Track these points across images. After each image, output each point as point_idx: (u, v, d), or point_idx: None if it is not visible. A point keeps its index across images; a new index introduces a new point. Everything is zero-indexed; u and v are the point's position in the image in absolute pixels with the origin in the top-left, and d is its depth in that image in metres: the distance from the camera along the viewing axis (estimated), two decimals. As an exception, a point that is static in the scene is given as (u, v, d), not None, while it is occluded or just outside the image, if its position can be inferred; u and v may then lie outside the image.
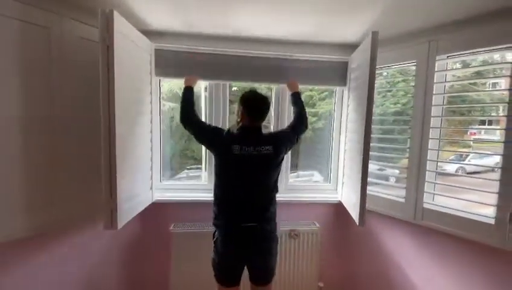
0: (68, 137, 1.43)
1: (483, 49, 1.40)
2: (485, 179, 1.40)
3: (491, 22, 1.35)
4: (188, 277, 1.82)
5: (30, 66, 1.29)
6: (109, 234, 1.67)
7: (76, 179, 1.47)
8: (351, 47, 1.86)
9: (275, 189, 1.51)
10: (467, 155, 1.82)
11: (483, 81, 1.58)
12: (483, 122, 1.81)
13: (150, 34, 1.73)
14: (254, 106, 1.44)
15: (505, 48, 1.33)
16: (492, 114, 1.67)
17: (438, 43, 1.52)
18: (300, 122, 1.62)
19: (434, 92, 1.54)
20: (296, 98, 1.73)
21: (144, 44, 1.66)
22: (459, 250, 1.49)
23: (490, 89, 1.56)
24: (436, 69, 1.54)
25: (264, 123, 1.49)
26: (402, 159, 1.71)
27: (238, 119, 1.49)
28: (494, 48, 1.36)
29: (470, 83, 1.76)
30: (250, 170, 1.41)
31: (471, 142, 1.74)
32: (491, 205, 1.36)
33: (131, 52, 1.48)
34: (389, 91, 1.91)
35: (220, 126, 1.69)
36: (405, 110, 1.72)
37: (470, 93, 1.61)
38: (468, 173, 1.57)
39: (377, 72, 1.81)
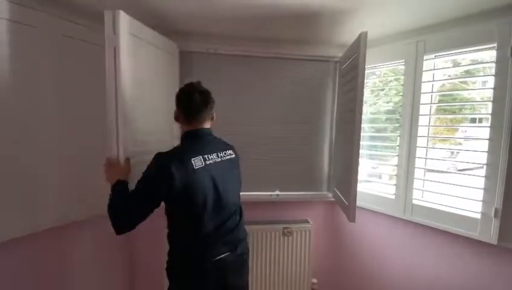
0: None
1: (468, 48, 1.43)
2: (472, 175, 1.44)
3: (476, 22, 1.39)
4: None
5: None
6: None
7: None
8: (341, 46, 1.89)
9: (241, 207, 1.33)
10: (458, 152, 1.86)
11: (473, 80, 1.62)
12: (473, 120, 1.85)
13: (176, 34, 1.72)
14: (190, 100, 1.15)
15: (489, 47, 1.37)
16: (480, 112, 1.71)
17: (426, 43, 1.56)
18: None
19: (422, 91, 1.58)
20: None
21: (166, 45, 1.64)
22: (447, 244, 1.53)
23: (478, 88, 1.59)
24: (423, 69, 1.57)
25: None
26: (394, 157, 1.75)
27: (180, 126, 1.22)
28: (479, 47, 1.40)
29: (459, 82, 1.80)
30: (219, 182, 1.13)
31: (461, 140, 1.78)
32: (477, 201, 1.40)
33: (149, 54, 1.45)
34: (382, 90, 1.94)
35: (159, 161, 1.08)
36: (397, 108, 1.76)
37: (455, 92, 1.65)
38: (460, 170, 1.61)
39: (370, 71, 1.87)
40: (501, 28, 1.30)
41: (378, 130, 1.91)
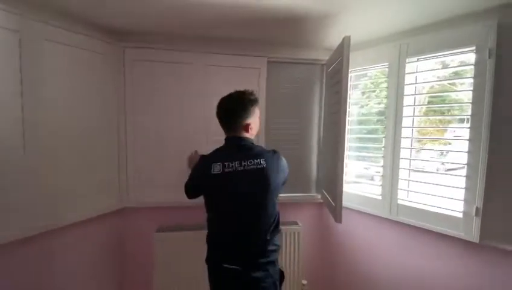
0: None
1: (449, 52, 1.47)
2: (455, 175, 1.47)
3: (455, 26, 1.42)
4: (172, 281, 1.83)
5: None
6: (89, 238, 1.68)
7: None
8: (329, 49, 1.91)
9: (275, 221, 1.22)
10: (442, 153, 1.90)
11: (455, 82, 1.65)
12: (455, 121, 1.89)
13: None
14: (220, 108, 1.24)
15: (468, 50, 1.40)
16: (460, 114, 1.75)
17: (408, 46, 1.59)
18: None
19: (405, 93, 1.61)
20: None
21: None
22: (431, 243, 1.56)
23: (460, 89, 1.62)
24: (406, 71, 1.60)
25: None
26: (381, 158, 1.77)
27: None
28: (459, 50, 1.44)
29: (438, 85, 1.84)
30: (236, 192, 1.15)
31: (444, 140, 1.81)
32: (459, 200, 1.43)
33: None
34: (374, 91, 1.97)
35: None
36: (386, 110, 1.77)
37: (436, 94, 1.68)
38: (447, 170, 1.64)
39: (361, 72, 1.90)
40: (479, 32, 1.33)
41: (369, 132, 1.93)
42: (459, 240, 1.43)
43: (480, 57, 1.34)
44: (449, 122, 1.73)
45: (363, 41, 1.79)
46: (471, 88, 1.38)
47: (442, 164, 1.63)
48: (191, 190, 1.32)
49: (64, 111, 1.50)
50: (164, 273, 1.81)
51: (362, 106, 1.96)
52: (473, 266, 1.42)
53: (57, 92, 1.46)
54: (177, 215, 1.94)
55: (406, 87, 1.61)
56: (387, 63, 1.70)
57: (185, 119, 1.86)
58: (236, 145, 1.22)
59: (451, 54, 1.47)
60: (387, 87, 1.70)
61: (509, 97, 1.27)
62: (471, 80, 1.39)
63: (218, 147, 1.29)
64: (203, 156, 1.28)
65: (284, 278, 1.32)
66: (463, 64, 1.50)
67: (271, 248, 1.21)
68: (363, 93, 1.97)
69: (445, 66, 1.58)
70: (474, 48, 1.36)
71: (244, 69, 1.91)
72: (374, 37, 1.74)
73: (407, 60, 1.60)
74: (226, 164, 1.16)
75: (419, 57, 1.58)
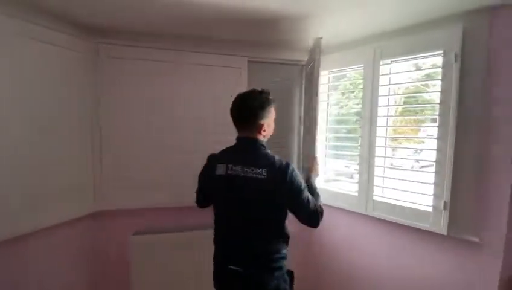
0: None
1: (420, 55, 1.55)
2: (426, 171, 1.55)
3: (426, 31, 1.49)
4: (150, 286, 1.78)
5: None
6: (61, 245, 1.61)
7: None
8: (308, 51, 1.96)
9: (281, 232, 1.17)
10: (416, 151, 1.99)
11: (425, 83, 1.74)
12: (433, 120, 1.99)
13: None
14: (235, 104, 1.18)
15: (436, 54, 1.48)
16: (433, 113, 1.84)
17: (382, 49, 1.66)
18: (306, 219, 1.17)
19: (379, 94, 1.68)
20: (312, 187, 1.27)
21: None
22: (404, 236, 1.64)
23: (431, 91, 1.71)
24: (380, 73, 1.67)
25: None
26: (357, 156, 1.83)
27: None
28: (429, 54, 1.52)
29: (414, 85, 1.93)
30: (235, 197, 1.13)
31: (417, 139, 1.91)
32: (429, 195, 1.51)
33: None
34: (352, 92, 2.03)
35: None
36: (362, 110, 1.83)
37: (409, 95, 1.77)
38: (422, 167, 1.73)
39: (340, 73, 1.96)
40: (446, 36, 1.41)
41: (349, 131, 1.98)
42: (429, 232, 1.51)
43: (447, 61, 1.42)
44: (422, 121, 1.82)
45: (340, 43, 1.85)
46: (439, 90, 1.46)
47: (417, 161, 1.72)
48: (199, 193, 1.32)
49: (28, 108, 1.41)
50: (141, 278, 1.77)
51: (342, 106, 2.02)
52: (441, 256, 1.50)
53: (24, 88, 1.39)
54: (155, 218, 1.90)
55: (380, 88, 1.68)
56: (362, 65, 1.76)
57: (162, 119, 1.82)
58: (244, 148, 1.17)
59: (423, 57, 1.55)
60: (363, 88, 1.77)
61: (472, 99, 1.36)
62: (439, 82, 1.47)
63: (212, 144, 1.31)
64: (210, 156, 1.25)
65: (293, 278, 1.23)
66: (434, 66, 1.58)
67: (272, 256, 1.14)
68: (343, 93, 2.03)
69: (417, 68, 1.67)
70: (442, 51, 1.44)
71: (224, 69, 1.91)
72: (351, 39, 1.80)
73: (381, 62, 1.67)
74: (230, 166, 1.13)
75: (393, 60, 1.65)
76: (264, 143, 1.19)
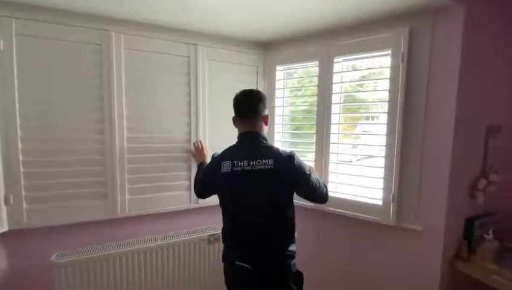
0: None
1: (371, 54, 1.60)
2: (377, 167, 1.61)
3: (376, 30, 1.54)
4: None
5: None
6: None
7: None
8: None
9: (286, 225, 1.22)
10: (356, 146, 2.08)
11: (376, 82, 1.82)
12: (371, 118, 2.10)
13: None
14: (239, 99, 1.27)
15: (386, 54, 1.55)
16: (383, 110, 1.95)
17: (335, 47, 1.67)
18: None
19: (333, 92, 1.69)
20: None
21: None
22: (357, 229, 1.71)
23: (380, 89, 1.78)
24: (334, 70, 1.69)
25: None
26: (312, 153, 1.82)
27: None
28: (379, 53, 1.58)
29: (359, 85, 2.02)
30: (244, 191, 1.17)
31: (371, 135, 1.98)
32: (379, 189, 1.58)
33: None
34: (300, 90, 2.02)
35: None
36: (313, 108, 1.83)
37: (357, 93, 1.83)
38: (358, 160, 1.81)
39: (287, 71, 1.95)
40: (394, 37, 1.48)
41: (297, 128, 1.97)
42: (379, 224, 1.59)
43: (395, 60, 1.49)
44: (372, 118, 1.89)
45: (293, 37, 1.81)
46: (387, 88, 1.53)
47: (367, 157, 1.78)
48: (199, 185, 1.39)
49: None
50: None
51: (291, 104, 2.00)
52: (391, 245, 1.60)
53: None
54: (80, 235, 1.60)
55: (333, 86, 1.70)
56: (317, 62, 1.76)
57: (84, 113, 1.54)
58: (248, 143, 1.23)
59: (374, 56, 1.61)
60: (317, 86, 1.76)
61: (417, 97, 1.46)
62: (387, 81, 1.53)
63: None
64: (214, 155, 1.32)
65: (303, 279, 1.25)
66: (384, 66, 1.63)
67: (283, 252, 1.18)
68: (291, 91, 2.00)
69: (368, 68, 1.71)
70: (390, 51, 1.51)
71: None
72: (304, 34, 1.77)
73: (334, 60, 1.68)
74: (236, 162, 1.17)
75: (345, 58, 1.68)
76: (265, 136, 1.27)
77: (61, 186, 1.49)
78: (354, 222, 1.69)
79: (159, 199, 1.73)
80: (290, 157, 1.17)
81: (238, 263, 1.17)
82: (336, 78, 1.70)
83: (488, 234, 1.48)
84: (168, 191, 1.76)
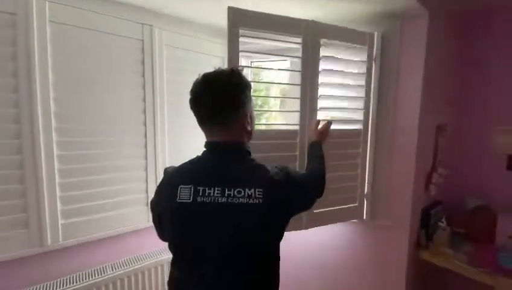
0: None
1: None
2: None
3: (358, 27, 1.48)
4: None
5: None
6: None
7: None
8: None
9: (266, 278, 0.79)
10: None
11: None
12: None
13: None
14: (199, 95, 0.76)
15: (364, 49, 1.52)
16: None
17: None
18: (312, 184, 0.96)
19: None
20: (315, 152, 1.12)
21: None
22: (336, 228, 1.71)
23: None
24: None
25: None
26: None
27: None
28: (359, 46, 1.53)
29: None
30: (212, 241, 0.71)
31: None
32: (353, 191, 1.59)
33: None
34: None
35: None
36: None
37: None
38: None
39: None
40: (370, 36, 1.47)
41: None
42: (354, 223, 1.63)
43: (369, 58, 1.49)
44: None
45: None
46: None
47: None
48: (157, 224, 0.83)
49: None
50: None
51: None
52: (365, 240, 1.67)
53: None
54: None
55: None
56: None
57: None
58: (223, 159, 0.76)
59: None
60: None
61: (387, 97, 1.50)
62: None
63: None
64: (168, 171, 0.82)
65: None
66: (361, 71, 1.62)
67: None
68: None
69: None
70: (366, 48, 1.49)
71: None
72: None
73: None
74: (201, 189, 0.70)
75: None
76: (249, 148, 0.81)
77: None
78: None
79: (107, 220, 1.36)
80: (288, 179, 0.78)
81: None
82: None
83: (442, 222, 1.65)
84: (121, 208, 1.40)
